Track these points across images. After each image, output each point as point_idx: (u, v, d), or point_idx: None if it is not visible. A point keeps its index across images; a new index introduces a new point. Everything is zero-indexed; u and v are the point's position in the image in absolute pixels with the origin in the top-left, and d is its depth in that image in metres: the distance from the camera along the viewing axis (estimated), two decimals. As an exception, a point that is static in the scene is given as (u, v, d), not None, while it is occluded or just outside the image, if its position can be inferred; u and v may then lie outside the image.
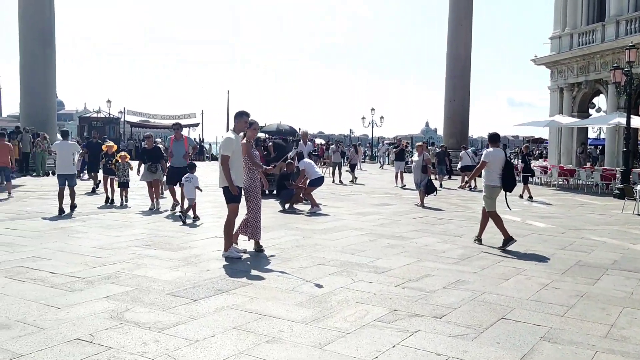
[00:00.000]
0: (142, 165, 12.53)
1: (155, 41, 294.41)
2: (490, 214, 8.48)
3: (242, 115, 7.49)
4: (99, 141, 16.78)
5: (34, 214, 11.29)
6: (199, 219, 10.62)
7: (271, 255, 7.46)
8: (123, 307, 5.01)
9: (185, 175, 10.94)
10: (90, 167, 16.90)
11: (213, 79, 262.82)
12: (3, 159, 14.51)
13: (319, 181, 13.09)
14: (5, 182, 14.74)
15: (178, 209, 11.42)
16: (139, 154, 14.67)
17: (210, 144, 49.77)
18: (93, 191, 15.39)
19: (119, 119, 46.68)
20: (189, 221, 10.32)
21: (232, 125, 7.62)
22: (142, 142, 33.72)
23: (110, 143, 15.02)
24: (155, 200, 12.40)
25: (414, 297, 5.55)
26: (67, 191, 11.38)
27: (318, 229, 9.83)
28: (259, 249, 7.68)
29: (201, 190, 11.21)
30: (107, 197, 13.17)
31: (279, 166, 12.18)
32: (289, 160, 13.48)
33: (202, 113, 51.78)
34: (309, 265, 6.89)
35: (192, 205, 10.72)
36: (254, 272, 6.52)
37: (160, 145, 13.85)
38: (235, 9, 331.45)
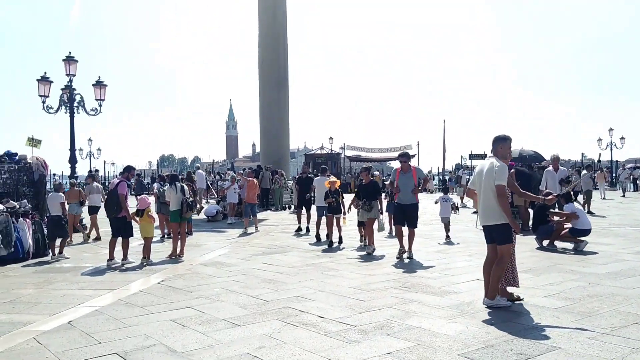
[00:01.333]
0: (358, 202, 10.78)
1: (370, 76, 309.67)
2: None
3: (505, 140, 6.39)
4: (309, 176, 15.95)
5: (282, 247, 11.61)
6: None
7: (556, 308, 6.07)
8: (413, 369, 4.22)
9: (442, 196, 12.63)
10: (299, 203, 15.19)
11: (428, 109, 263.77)
12: (251, 196, 15.57)
13: (585, 233, 10.52)
14: (252, 217, 15.79)
15: (405, 255, 9.73)
16: (356, 190, 12.26)
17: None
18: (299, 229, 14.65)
19: (340, 155, 48.90)
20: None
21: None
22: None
23: (333, 178, 12.58)
24: (366, 241, 10.88)
25: None
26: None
27: (601, 273, 8.04)
28: (518, 298, 6.37)
29: (457, 212, 10.89)
30: (324, 235, 11.99)
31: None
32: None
33: (418, 144, 51.48)
34: (622, 325, 5.35)
35: (446, 224, 12.26)
36: (550, 331, 5.24)
37: (377, 179, 12.41)
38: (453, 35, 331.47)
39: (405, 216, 9.77)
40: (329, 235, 11.78)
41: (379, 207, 10.73)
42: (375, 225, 10.67)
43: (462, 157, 50.42)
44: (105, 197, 11.03)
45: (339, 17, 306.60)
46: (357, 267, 9.07)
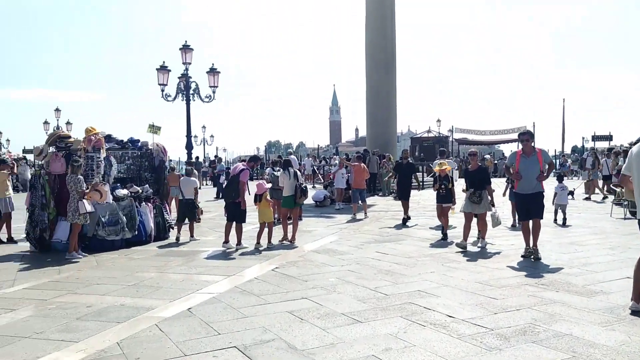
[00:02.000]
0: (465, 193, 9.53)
1: (480, 55, 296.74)
2: None
3: None
4: (410, 162, 14.63)
5: (395, 235, 11.09)
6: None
7: None
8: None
9: (559, 185, 11.92)
10: (400, 191, 13.84)
11: (545, 87, 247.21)
12: (359, 181, 15.11)
13: None
14: (361, 203, 15.36)
15: (531, 255, 8.20)
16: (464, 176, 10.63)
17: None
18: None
19: (447, 138, 47.11)
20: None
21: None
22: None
23: (444, 163, 10.99)
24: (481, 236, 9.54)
25: None
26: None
27: None
28: None
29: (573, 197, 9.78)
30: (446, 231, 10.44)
31: None
32: None
33: (534, 125, 48.21)
34: None
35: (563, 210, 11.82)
36: None
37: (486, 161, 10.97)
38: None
39: (529, 207, 8.21)
40: (443, 228, 10.51)
41: (489, 198, 9.34)
42: (488, 218, 9.48)
43: (583, 138, 46.57)
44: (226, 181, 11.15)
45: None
46: (480, 259, 8.33)
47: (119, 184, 10.80)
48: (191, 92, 15.91)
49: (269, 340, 4.71)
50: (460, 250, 9.07)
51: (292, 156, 24.34)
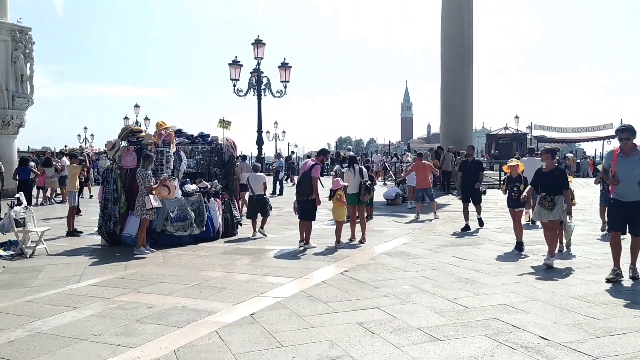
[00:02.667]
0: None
1: (563, 47, 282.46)
2: None
3: None
4: (476, 160, 13.32)
5: (473, 239, 10.31)
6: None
7: None
8: None
9: None
10: (463, 194, 12.14)
11: (632, 80, 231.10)
12: (424, 180, 14.26)
13: None
14: (429, 202, 14.57)
15: (628, 275, 6.77)
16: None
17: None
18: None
19: (526, 135, 44.78)
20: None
21: None
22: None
23: (514, 162, 9.41)
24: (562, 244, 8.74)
25: None
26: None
27: None
28: None
29: None
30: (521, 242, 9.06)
31: None
32: None
33: (621, 122, 44.83)
34: None
35: None
36: None
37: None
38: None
39: (628, 219, 6.66)
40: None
41: (565, 205, 7.80)
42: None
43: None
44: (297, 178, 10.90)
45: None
46: (573, 269, 7.46)
47: (188, 179, 10.72)
48: (262, 86, 15.75)
49: (335, 357, 4.24)
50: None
51: (350, 152, 23.89)
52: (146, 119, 36.27)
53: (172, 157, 10.03)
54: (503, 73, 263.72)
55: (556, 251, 7.95)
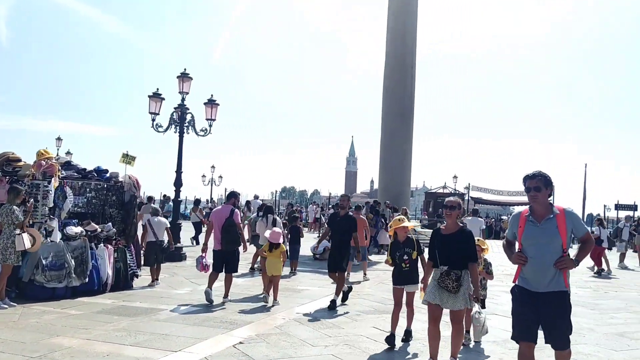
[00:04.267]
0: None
1: (496, 116, 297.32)
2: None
3: None
4: (349, 214, 9.69)
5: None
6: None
7: None
8: None
9: None
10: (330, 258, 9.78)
11: (567, 151, 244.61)
12: (359, 236, 12.97)
13: None
14: (359, 261, 13.35)
15: None
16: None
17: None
18: None
19: (464, 195, 45.17)
20: None
21: None
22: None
23: (404, 221, 7.20)
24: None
25: None
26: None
27: None
28: None
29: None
30: None
31: None
32: None
33: (553, 189, 46.05)
34: None
35: None
36: None
37: None
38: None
39: (542, 321, 4.25)
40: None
41: (471, 287, 5.35)
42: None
43: (605, 206, 44.20)
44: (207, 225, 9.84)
45: (471, 42, 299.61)
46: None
47: (74, 220, 9.12)
48: (185, 123, 14.43)
49: None
50: None
51: (257, 200, 23.03)
52: (68, 153, 33.85)
53: (52, 192, 8.42)
54: (444, 133, 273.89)
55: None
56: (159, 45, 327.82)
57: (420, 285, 5.93)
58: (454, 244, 5.36)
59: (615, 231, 19.73)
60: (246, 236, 10.66)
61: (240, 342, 6.16)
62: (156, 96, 14.42)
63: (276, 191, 48.87)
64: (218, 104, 15.27)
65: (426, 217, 35.08)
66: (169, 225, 10.26)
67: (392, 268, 6.62)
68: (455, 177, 46.15)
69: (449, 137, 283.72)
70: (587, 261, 16.31)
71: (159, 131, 14.48)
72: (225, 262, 8.61)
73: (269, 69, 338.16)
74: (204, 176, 44.63)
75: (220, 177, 46.39)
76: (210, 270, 8.70)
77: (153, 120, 14.45)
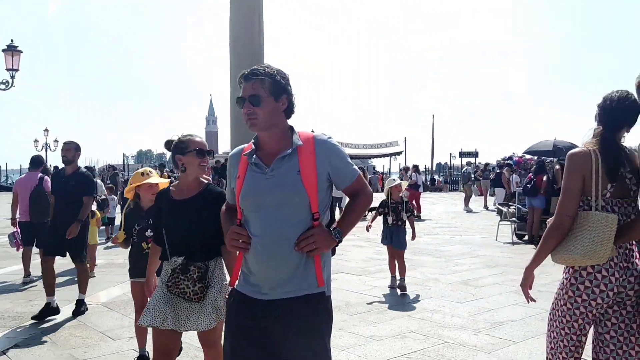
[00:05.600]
0: None
1: (356, 69, 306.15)
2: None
3: None
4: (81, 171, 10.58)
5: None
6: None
7: None
8: None
9: None
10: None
11: (416, 103, 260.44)
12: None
13: None
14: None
15: None
16: None
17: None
18: None
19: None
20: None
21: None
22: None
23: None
24: None
25: None
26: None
27: None
28: None
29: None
30: None
31: None
32: None
33: (405, 140, 48.30)
34: None
35: None
36: None
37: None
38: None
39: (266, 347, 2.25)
40: None
41: None
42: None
43: (451, 154, 47.24)
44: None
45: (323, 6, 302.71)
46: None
47: None
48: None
49: None
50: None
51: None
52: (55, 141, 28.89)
53: None
54: (299, 83, 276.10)
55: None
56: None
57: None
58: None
59: (466, 176, 20.80)
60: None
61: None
62: None
63: (132, 156, 44.87)
64: (21, 51, 12.62)
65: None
66: None
67: None
68: (312, 131, 45.84)
69: (307, 89, 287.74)
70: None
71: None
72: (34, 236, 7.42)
73: (111, 25, 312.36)
74: (36, 141, 39.35)
75: (56, 141, 41.05)
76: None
77: None
